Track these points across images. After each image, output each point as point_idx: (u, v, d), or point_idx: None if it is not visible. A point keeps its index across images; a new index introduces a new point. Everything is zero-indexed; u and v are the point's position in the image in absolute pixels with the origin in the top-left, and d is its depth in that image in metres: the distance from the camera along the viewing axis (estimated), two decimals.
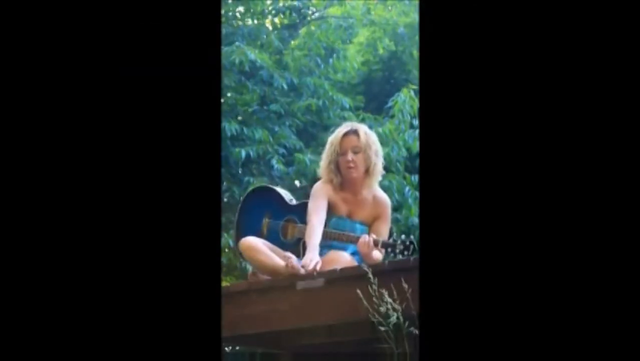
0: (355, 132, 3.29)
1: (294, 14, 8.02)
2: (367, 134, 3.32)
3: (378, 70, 7.84)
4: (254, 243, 3.23)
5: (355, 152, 3.26)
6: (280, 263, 3.07)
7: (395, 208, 6.36)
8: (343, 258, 3.09)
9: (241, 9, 7.76)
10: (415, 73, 7.24)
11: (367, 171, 3.29)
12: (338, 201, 3.30)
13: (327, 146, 3.35)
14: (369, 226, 3.27)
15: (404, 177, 6.36)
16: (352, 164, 3.25)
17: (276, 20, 8.11)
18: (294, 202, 3.52)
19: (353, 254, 3.18)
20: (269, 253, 3.17)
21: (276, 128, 6.81)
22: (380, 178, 3.36)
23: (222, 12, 6.92)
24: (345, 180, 3.28)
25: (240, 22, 7.70)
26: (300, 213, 3.38)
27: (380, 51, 8.00)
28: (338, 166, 3.30)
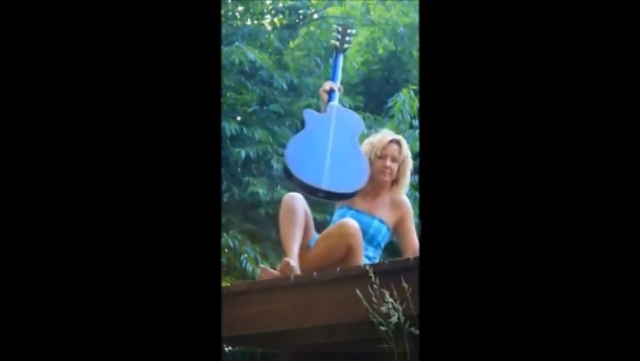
0: (398, 142, 3.42)
1: (293, 14, 8.02)
2: (407, 149, 3.46)
3: (378, 70, 7.84)
4: (295, 207, 3.19)
5: (393, 161, 3.36)
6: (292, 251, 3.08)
7: None
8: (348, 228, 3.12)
9: (241, 9, 7.76)
10: (415, 73, 7.24)
11: (396, 181, 3.38)
12: (357, 198, 3.33)
13: (367, 147, 3.40)
14: (391, 226, 3.35)
15: None
16: (387, 170, 3.35)
17: (276, 20, 8.11)
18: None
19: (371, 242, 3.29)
20: (293, 234, 3.16)
21: (276, 128, 6.82)
22: (406, 190, 3.44)
23: (222, 12, 6.91)
24: (372, 182, 3.33)
25: (239, 22, 7.70)
26: None
27: (380, 51, 8.00)
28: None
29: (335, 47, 3.78)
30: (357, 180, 3.20)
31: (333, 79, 3.60)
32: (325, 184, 3.12)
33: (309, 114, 3.46)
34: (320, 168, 3.17)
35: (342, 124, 3.38)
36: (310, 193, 3.17)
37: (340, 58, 3.74)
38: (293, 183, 3.20)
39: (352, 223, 3.13)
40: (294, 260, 3.05)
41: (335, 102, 3.48)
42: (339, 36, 3.78)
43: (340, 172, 3.19)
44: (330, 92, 3.50)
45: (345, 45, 3.77)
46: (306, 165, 3.19)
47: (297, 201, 3.20)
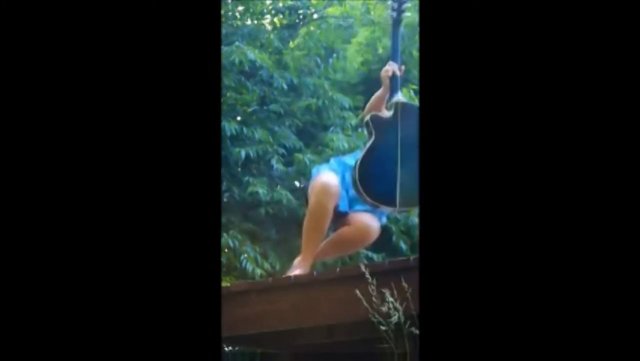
0: None
1: (293, 14, 8.02)
2: None
3: (378, 70, 7.76)
4: (327, 209, 3.12)
5: None
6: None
7: None
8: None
9: (241, 9, 7.76)
10: (415, 73, 7.24)
11: None
12: None
13: None
14: None
15: None
16: None
17: (276, 20, 8.11)
18: None
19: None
20: (315, 241, 3.15)
21: (276, 128, 6.81)
22: None
23: (222, 12, 6.91)
24: None
25: (239, 22, 7.70)
26: None
27: (380, 51, 7.99)
28: None
29: (392, 19, 3.33)
30: None
31: (393, 58, 3.27)
32: (398, 204, 3.04)
33: (375, 120, 3.16)
34: (393, 187, 3.03)
35: (409, 126, 3.10)
36: (382, 209, 3.12)
37: (399, 32, 3.29)
38: (365, 201, 3.07)
39: (374, 231, 3.08)
40: (304, 269, 3.07)
41: (399, 97, 3.18)
42: (395, 5, 3.33)
43: (411, 186, 2.98)
44: (393, 77, 3.21)
45: (403, 15, 3.32)
46: (378, 186, 3.05)
47: (330, 198, 3.12)
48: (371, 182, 3.05)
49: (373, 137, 3.12)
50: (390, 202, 3.03)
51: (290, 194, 6.36)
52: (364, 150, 3.13)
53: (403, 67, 3.29)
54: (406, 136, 3.09)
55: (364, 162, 3.07)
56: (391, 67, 3.24)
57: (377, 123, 3.15)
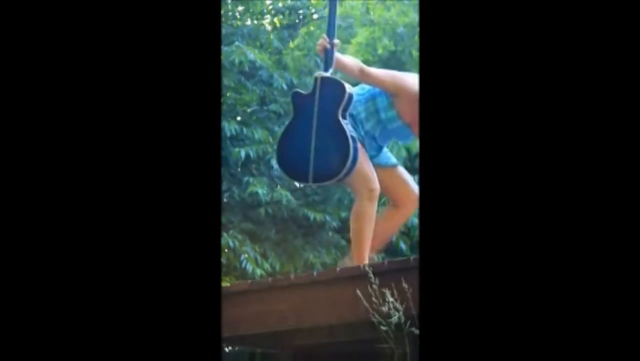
0: None
1: (293, 14, 8.02)
2: None
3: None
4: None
5: None
6: None
7: None
8: None
9: (241, 9, 7.76)
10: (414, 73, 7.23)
11: None
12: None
13: None
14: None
15: None
16: None
17: (276, 20, 8.11)
18: None
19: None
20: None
21: (276, 128, 6.81)
22: None
23: (222, 12, 6.91)
24: None
25: (239, 22, 7.70)
26: None
27: (380, 51, 7.98)
28: None
29: None
30: (341, 164, 3.02)
31: (328, 32, 3.18)
32: (311, 179, 3.06)
33: (295, 97, 3.17)
34: (306, 161, 3.03)
35: (326, 99, 3.10)
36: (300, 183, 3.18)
37: (336, 5, 3.19)
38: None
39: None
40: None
41: (321, 72, 3.16)
42: None
43: (325, 159, 3.03)
44: (326, 52, 3.14)
45: None
46: (293, 161, 3.09)
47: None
48: (287, 158, 3.11)
49: (292, 114, 3.17)
50: (304, 177, 3.07)
51: (290, 194, 6.36)
52: (284, 127, 3.19)
53: (338, 42, 3.21)
54: (323, 110, 3.08)
55: (282, 139, 3.14)
56: (323, 42, 3.17)
57: (297, 100, 3.17)
